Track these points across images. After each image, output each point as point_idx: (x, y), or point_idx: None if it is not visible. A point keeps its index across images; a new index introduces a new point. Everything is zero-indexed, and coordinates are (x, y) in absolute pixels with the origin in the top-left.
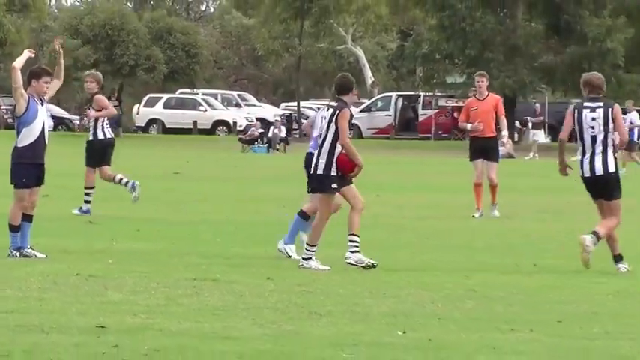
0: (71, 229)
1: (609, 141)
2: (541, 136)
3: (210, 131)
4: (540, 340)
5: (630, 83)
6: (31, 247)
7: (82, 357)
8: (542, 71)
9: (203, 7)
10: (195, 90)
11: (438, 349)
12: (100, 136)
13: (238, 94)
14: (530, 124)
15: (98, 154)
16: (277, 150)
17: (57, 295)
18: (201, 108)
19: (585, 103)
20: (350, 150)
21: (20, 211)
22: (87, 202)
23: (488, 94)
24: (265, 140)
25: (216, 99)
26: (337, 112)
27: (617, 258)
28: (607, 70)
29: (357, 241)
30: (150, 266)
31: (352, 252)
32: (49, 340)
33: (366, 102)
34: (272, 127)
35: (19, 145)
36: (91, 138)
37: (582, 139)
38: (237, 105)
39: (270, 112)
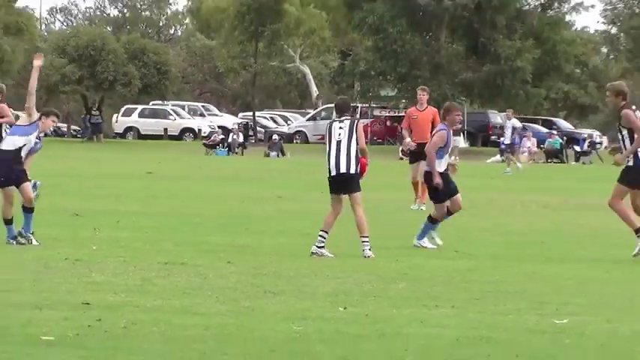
0: (59, 221)
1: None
2: (461, 142)
3: (179, 137)
4: (460, 315)
5: (537, 96)
6: (32, 233)
7: (71, 329)
8: (462, 86)
9: (172, 31)
10: (165, 102)
11: (374, 322)
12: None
13: (202, 106)
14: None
15: None
16: (236, 153)
17: (48, 277)
18: (170, 117)
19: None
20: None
21: (8, 206)
22: None
23: (427, 107)
24: (225, 145)
25: (183, 109)
26: (356, 122)
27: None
28: (517, 86)
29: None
30: (128, 252)
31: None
32: (42, 315)
33: (312, 112)
34: (231, 134)
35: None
36: None
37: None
38: (202, 115)
39: (229, 120)
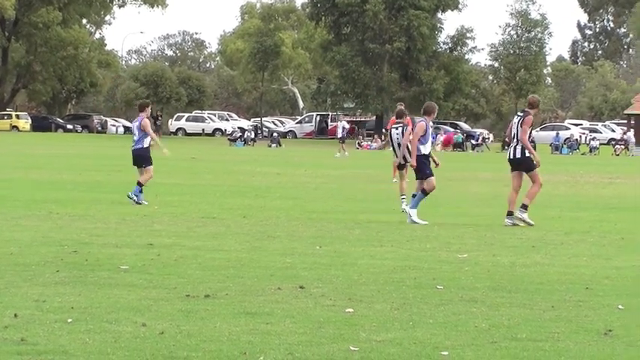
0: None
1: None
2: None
3: (212, 134)
4: (397, 251)
5: (446, 108)
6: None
7: (139, 261)
8: (397, 101)
9: (207, 65)
10: (203, 111)
11: (339, 256)
12: None
13: (227, 113)
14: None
15: None
16: (249, 144)
17: (125, 226)
18: (206, 121)
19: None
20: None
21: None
22: None
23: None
24: (242, 139)
25: (214, 116)
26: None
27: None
28: (433, 101)
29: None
30: (178, 210)
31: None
32: (120, 252)
33: (299, 118)
34: (246, 132)
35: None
36: None
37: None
38: (227, 119)
39: (245, 123)
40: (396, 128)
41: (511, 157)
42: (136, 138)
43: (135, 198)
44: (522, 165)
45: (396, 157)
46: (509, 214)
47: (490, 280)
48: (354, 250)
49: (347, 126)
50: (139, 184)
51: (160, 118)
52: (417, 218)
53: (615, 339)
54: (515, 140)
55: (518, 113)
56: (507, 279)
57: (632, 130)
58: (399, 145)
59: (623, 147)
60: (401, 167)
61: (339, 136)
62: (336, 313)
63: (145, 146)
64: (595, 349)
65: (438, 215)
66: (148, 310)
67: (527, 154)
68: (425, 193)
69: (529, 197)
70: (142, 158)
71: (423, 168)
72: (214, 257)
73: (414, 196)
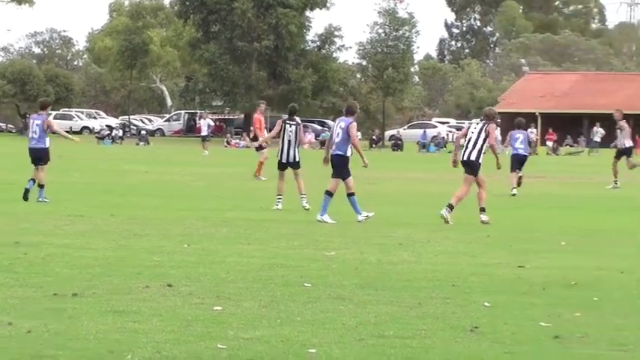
0: None
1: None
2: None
3: (79, 132)
4: (264, 249)
5: (314, 106)
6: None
7: (5, 260)
8: (265, 99)
9: (75, 62)
10: (70, 109)
11: (207, 254)
12: None
13: (95, 111)
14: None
15: None
16: (117, 142)
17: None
18: (74, 119)
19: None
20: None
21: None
22: None
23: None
24: (110, 137)
25: (82, 114)
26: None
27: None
28: (302, 99)
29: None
30: (45, 207)
31: None
32: None
33: (167, 116)
34: (114, 130)
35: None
36: None
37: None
38: (95, 117)
39: (113, 121)
40: (290, 125)
41: (465, 158)
42: (36, 136)
43: (46, 200)
44: (471, 168)
45: (281, 155)
46: (482, 210)
47: (357, 277)
48: (222, 248)
49: (212, 124)
50: (41, 186)
51: (28, 116)
52: (328, 218)
53: (481, 336)
54: (471, 145)
55: (479, 121)
56: (375, 276)
57: (497, 128)
58: (288, 142)
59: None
60: (283, 167)
61: (204, 134)
62: (204, 311)
63: (46, 146)
64: (461, 345)
65: (307, 213)
66: (14, 309)
67: (480, 160)
68: (330, 194)
69: (480, 199)
70: (41, 157)
71: (348, 169)
72: (82, 256)
73: (350, 198)
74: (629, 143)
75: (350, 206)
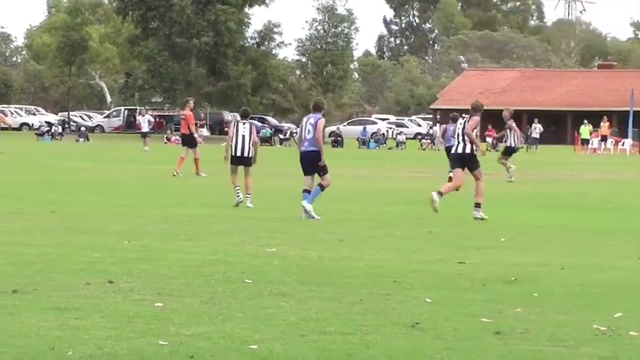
0: None
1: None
2: (204, 132)
3: (19, 129)
4: (205, 245)
5: (254, 102)
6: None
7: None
8: (205, 96)
9: (14, 59)
10: (9, 105)
11: (148, 251)
12: None
13: (34, 108)
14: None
15: None
16: (57, 139)
17: None
18: (13, 115)
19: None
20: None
21: None
22: None
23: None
24: (50, 134)
25: (21, 110)
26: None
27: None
28: (241, 95)
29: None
30: None
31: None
32: None
33: (107, 112)
34: (54, 126)
35: None
36: None
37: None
38: (34, 114)
39: (52, 118)
40: (244, 123)
41: (459, 151)
42: None
43: None
44: (468, 162)
45: (235, 149)
46: (478, 205)
47: (299, 273)
48: (163, 245)
49: (152, 120)
50: None
51: None
52: (314, 213)
53: (422, 332)
54: (460, 137)
55: (464, 115)
56: (316, 273)
57: (437, 124)
58: (242, 137)
59: (429, 141)
60: (237, 161)
61: (145, 130)
62: (146, 308)
63: None
64: (403, 341)
65: (248, 210)
66: None
67: (475, 152)
68: (322, 188)
69: (478, 195)
70: None
71: (324, 165)
72: (22, 252)
73: (307, 192)
74: (515, 144)
75: (311, 196)
